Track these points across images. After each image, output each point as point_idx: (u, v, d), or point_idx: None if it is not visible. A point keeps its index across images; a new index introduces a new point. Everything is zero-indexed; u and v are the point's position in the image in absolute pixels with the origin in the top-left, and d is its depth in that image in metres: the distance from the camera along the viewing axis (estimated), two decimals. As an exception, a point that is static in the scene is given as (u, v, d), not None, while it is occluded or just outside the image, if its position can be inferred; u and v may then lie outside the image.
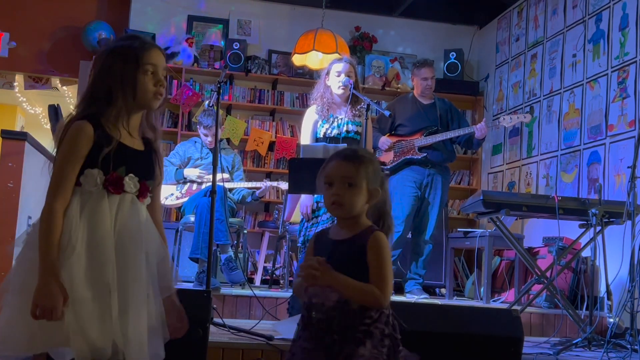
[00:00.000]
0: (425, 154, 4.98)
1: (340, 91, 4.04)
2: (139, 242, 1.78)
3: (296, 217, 4.45)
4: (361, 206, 1.85)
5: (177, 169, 4.94)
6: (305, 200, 3.81)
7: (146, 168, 1.87)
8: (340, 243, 1.85)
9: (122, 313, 1.71)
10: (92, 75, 1.87)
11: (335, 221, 1.93)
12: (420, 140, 5.00)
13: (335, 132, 4.03)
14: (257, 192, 5.00)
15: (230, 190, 4.95)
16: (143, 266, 1.77)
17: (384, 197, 1.90)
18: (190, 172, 4.91)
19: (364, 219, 1.87)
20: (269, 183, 5.01)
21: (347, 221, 1.87)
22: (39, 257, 1.71)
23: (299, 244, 4.04)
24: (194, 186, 4.91)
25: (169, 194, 4.93)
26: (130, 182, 1.81)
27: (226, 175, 4.92)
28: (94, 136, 1.77)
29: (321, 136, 4.08)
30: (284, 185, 5.06)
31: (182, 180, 4.92)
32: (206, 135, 4.96)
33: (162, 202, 4.97)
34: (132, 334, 1.71)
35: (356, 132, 4.09)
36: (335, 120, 4.06)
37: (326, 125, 4.07)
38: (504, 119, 4.99)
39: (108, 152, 1.77)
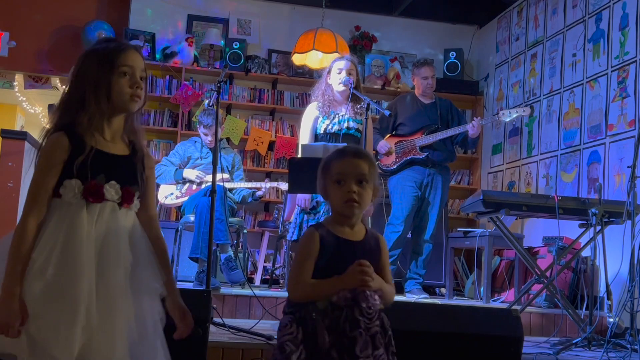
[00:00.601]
0: (427, 153, 4.98)
1: (341, 88, 4.04)
2: (118, 251, 1.73)
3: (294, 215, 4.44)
4: (369, 204, 1.87)
5: (176, 169, 4.93)
6: (302, 195, 3.80)
7: (129, 173, 1.81)
8: (359, 244, 1.84)
9: (100, 322, 1.67)
10: (69, 82, 1.83)
11: (330, 215, 1.91)
12: (421, 139, 4.99)
13: (336, 128, 4.03)
14: (258, 193, 5.00)
15: (231, 190, 4.95)
16: (121, 274, 1.72)
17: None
18: (189, 174, 4.90)
19: (360, 217, 1.89)
20: (269, 184, 5.00)
21: (352, 219, 1.86)
22: (5, 270, 1.67)
23: (290, 238, 4.03)
24: (194, 186, 4.91)
25: (169, 193, 4.93)
26: (111, 190, 1.75)
27: (226, 175, 4.91)
28: (70, 146, 1.73)
29: (322, 132, 4.07)
30: (284, 186, 5.06)
31: (181, 181, 4.92)
32: (206, 135, 4.95)
33: (162, 201, 4.97)
34: (103, 342, 1.67)
35: (357, 130, 4.09)
36: (337, 116, 4.06)
37: (327, 122, 4.06)
38: (503, 113, 4.97)
39: (84, 161, 1.72)
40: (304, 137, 4.06)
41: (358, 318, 1.72)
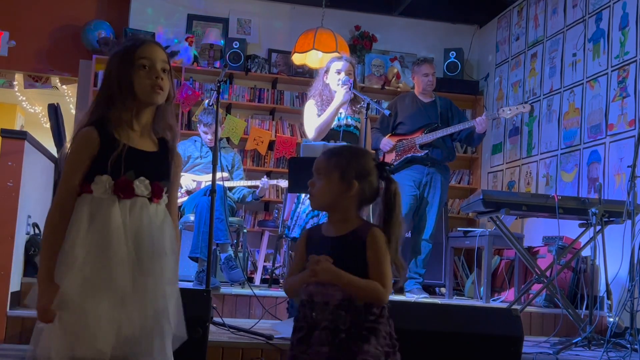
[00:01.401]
0: (427, 151, 4.97)
1: (339, 89, 4.03)
2: (152, 245, 1.77)
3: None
4: (334, 198, 1.84)
5: None
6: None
7: (159, 169, 1.85)
8: (337, 239, 1.84)
9: (136, 315, 1.72)
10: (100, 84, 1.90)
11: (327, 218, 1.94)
12: (421, 137, 4.99)
13: (334, 124, 4.02)
14: (257, 191, 4.99)
15: (230, 189, 4.94)
16: (156, 267, 1.77)
17: (388, 193, 1.86)
18: (184, 180, 4.87)
19: (352, 215, 1.86)
20: (267, 181, 4.99)
21: (335, 216, 1.87)
22: (39, 262, 1.74)
23: (288, 234, 4.01)
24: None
25: None
26: (141, 185, 1.79)
27: (225, 175, 4.92)
28: (99, 141, 1.77)
29: None
30: (283, 183, 5.05)
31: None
32: (206, 133, 4.95)
33: None
34: (139, 335, 1.72)
35: (355, 127, 4.09)
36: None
37: None
38: (503, 110, 4.98)
39: (116, 157, 1.76)
40: (315, 121, 4.04)
41: (313, 313, 1.78)
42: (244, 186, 5.02)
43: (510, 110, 4.94)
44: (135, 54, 1.83)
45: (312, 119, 4.05)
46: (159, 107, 1.90)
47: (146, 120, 1.87)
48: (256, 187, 4.99)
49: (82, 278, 1.70)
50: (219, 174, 4.88)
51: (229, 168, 5.04)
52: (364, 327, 1.76)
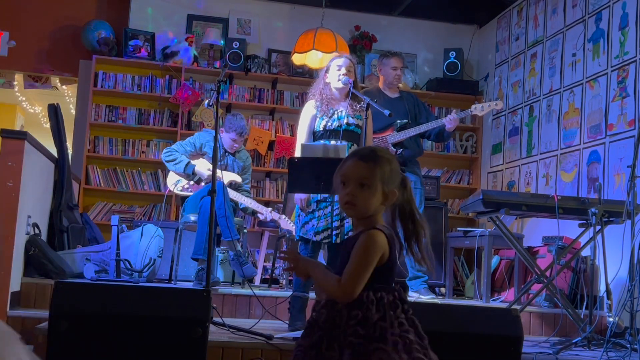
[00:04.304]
0: (400, 151, 4.91)
1: (340, 85, 4.03)
2: None
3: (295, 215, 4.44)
4: (375, 207, 1.83)
5: (189, 161, 4.84)
6: (299, 194, 3.80)
7: None
8: (347, 240, 1.88)
9: None
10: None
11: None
12: (393, 136, 4.92)
13: (335, 124, 4.01)
14: (260, 217, 4.98)
15: (235, 204, 4.91)
16: None
17: (406, 199, 1.86)
18: (201, 167, 4.79)
19: (377, 220, 1.85)
20: (271, 215, 4.91)
21: (361, 221, 1.86)
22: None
23: (288, 234, 3.99)
24: (203, 183, 4.84)
25: (177, 180, 4.85)
26: None
27: (239, 179, 4.89)
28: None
29: (321, 129, 4.05)
30: (284, 223, 4.98)
31: (190, 174, 4.83)
32: (234, 141, 4.86)
33: (171, 188, 4.90)
34: None
35: (357, 126, 4.08)
36: (336, 112, 4.05)
37: (326, 119, 4.05)
38: (475, 107, 4.96)
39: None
40: (301, 136, 4.03)
41: (313, 313, 1.84)
42: (248, 206, 4.98)
43: (482, 107, 4.93)
44: None
45: (302, 130, 4.05)
46: None
47: None
48: (259, 212, 4.94)
49: None
50: (231, 175, 4.88)
51: (239, 171, 5.00)
52: (347, 332, 1.71)
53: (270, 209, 5.01)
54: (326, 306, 1.78)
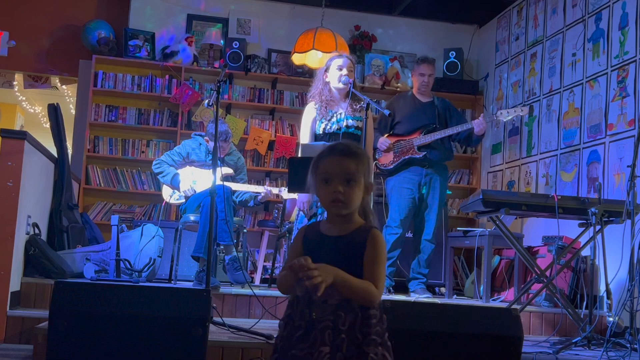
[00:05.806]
0: (425, 153, 4.97)
1: (340, 85, 4.02)
2: None
3: (295, 216, 4.44)
4: (359, 201, 1.84)
5: (175, 174, 4.86)
6: (302, 197, 3.80)
7: None
8: (338, 239, 1.83)
9: None
10: None
11: (325, 216, 1.91)
12: (419, 139, 4.98)
13: (335, 127, 4.01)
14: (259, 197, 4.96)
15: (233, 192, 4.92)
16: None
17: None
18: (183, 185, 4.78)
19: (356, 216, 1.86)
20: (269, 188, 4.93)
21: (343, 217, 1.84)
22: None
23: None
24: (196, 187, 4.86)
25: (172, 192, 4.90)
26: None
27: (230, 171, 4.89)
28: None
29: (321, 132, 4.06)
30: (284, 193, 4.99)
31: (175, 187, 4.82)
32: (220, 147, 4.80)
33: (167, 200, 4.94)
34: None
35: (356, 127, 4.07)
36: (335, 115, 4.05)
37: (325, 122, 4.05)
38: (501, 112, 4.97)
39: None
40: (304, 137, 4.05)
41: (313, 313, 1.77)
42: (247, 190, 4.99)
43: (508, 112, 4.93)
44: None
45: (304, 133, 4.05)
46: None
47: None
48: (258, 192, 4.95)
49: None
50: (225, 169, 4.88)
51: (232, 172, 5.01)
52: (366, 330, 1.74)
53: (267, 185, 5.02)
54: (341, 307, 1.74)
